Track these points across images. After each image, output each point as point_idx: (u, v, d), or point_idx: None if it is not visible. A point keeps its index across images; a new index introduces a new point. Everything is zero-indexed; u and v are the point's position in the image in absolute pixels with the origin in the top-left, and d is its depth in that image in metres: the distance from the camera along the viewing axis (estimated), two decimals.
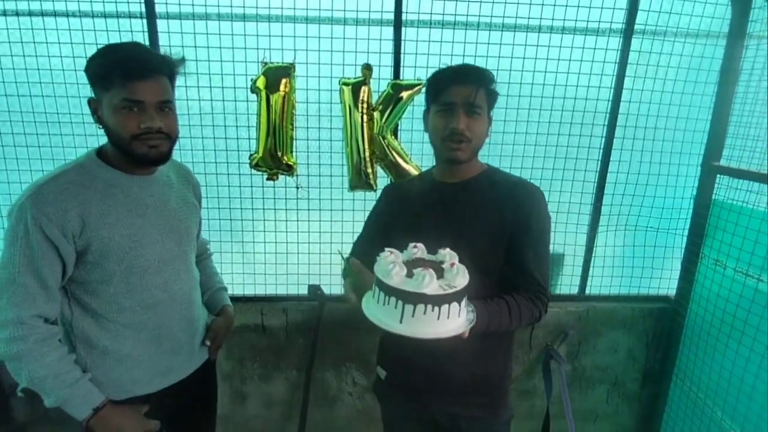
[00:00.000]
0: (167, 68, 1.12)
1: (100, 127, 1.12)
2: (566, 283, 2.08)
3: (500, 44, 1.79)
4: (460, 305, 0.97)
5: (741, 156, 1.85)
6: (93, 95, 1.10)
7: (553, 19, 1.80)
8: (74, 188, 1.09)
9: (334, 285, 1.96)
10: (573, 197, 1.96)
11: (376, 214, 1.41)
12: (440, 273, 0.97)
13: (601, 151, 1.93)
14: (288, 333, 1.98)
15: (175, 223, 1.26)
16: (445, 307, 0.94)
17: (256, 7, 1.71)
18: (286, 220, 1.89)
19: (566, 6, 1.77)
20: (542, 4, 1.77)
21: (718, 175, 1.89)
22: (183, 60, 1.18)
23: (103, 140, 1.15)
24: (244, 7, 1.69)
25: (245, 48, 1.72)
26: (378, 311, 0.98)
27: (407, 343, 1.00)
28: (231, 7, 1.69)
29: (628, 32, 1.82)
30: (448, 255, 1.03)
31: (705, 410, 1.87)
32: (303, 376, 1.97)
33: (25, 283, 1.07)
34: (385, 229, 1.33)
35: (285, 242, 1.92)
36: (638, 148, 1.93)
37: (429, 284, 0.92)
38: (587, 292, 2.07)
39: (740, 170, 1.80)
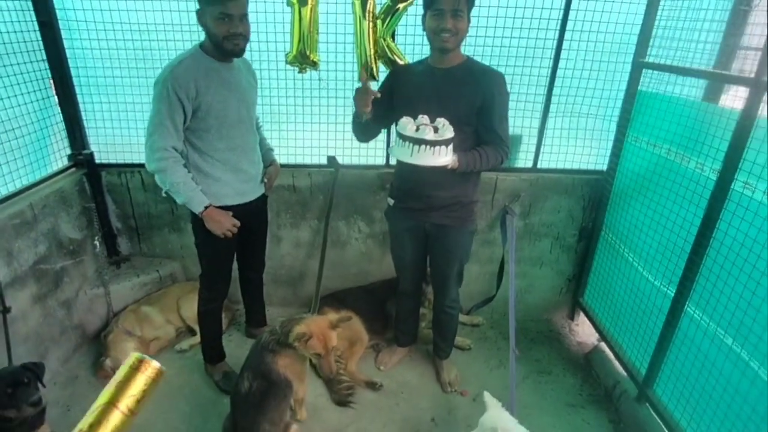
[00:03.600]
0: None
1: (204, 28, 2.02)
2: (522, 158, 2.99)
3: None
4: (447, 148, 1.91)
5: (665, 54, 2.60)
6: (198, 8, 1.98)
7: None
8: (191, 69, 2.04)
9: (346, 156, 2.91)
10: (530, 89, 2.81)
11: (384, 88, 2.24)
12: (436, 129, 1.90)
13: (553, 51, 2.72)
14: (312, 192, 2.98)
15: (246, 96, 2.21)
16: (437, 147, 1.89)
17: None
18: (311, 105, 2.81)
19: None
20: None
21: (643, 69, 2.67)
22: None
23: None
24: None
25: None
26: (399, 152, 1.94)
27: (410, 178, 2.09)
28: None
29: None
30: (442, 120, 1.94)
31: (621, 255, 2.77)
32: (323, 224, 2.97)
33: (167, 125, 2.04)
34: (391, 95, 2.18)
35: (310, 122, 2.85)
36: (583, 48, 2.72)
37: (428, 134, 1.86)
38: (539, 165, 2.98)
39: (659, 64, 2.54)
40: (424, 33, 2.09)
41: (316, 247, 3.09)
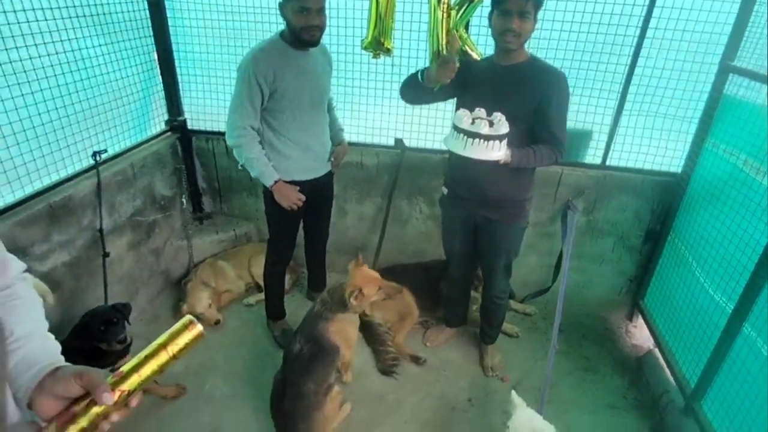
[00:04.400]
0: None
1: (284, 19, 2.24)
2: (591, 155, 2.98)
3: None
4: (501, 143, 1.97)
5: (755, 58, 2.49)
6: (281, 0, 2.21)
7: None
8: (270, 56, 2.30)
9: (413, 139, 3.06)
10: (604, 84, 2.80)
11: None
12: (491, 124, 1.99)
13: (633, 48, 2.68)
14: (378, 170, 3.18)
15: (319, 82, 2.44)
16: (491, 142, 1.97)
17: None
18: (383, 89, 2.98)
19: None
20: None
21: (730, 74, 2.57)
22: None
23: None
24: None
25: None
26: (452, 143, 2.04)
27: (463, 170, 2.21)
28: None
29: None
30: (498, 115, 2.02)
31: (686, 263, 2.72)
32: (386, 201, 3.16)
33: (246, 106, 2.31)
34: (456, 86, 2.23)
35: (381, 105, 3.03)
36: (666, 47, 2.65)
37: (483, 128, 1.94)
38: (608, 163, 2.96)
39: (747, 70, 2.45)
40: (490, 30, 2.16)
41: (378, 222, 3.31)
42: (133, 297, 2.96)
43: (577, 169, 2.98)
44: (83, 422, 0.74)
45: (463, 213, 2.49)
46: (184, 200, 3.35)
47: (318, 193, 2.69)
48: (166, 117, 3.24)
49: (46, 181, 2.45)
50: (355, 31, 2.85)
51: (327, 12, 2.31)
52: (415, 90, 2.25)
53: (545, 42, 2.73)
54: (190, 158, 3.33)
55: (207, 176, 3.45)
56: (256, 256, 3.29)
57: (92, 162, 2.60)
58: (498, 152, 2.00)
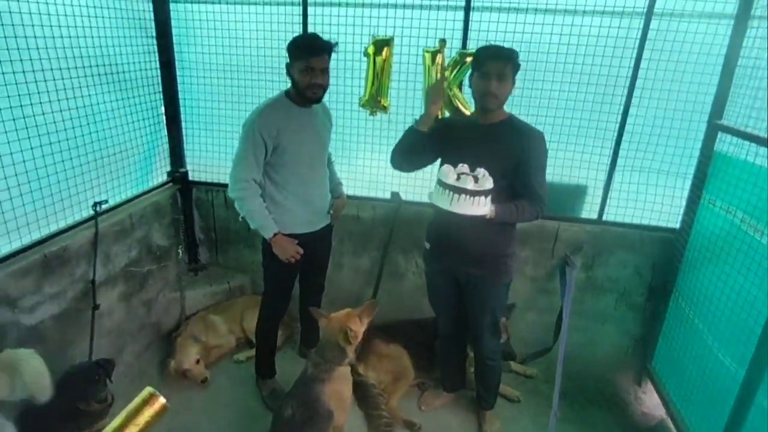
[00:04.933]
0: (329, 49, 2.35)
1: (290, 78, 2.38)
2: (587, 210, 2.99)
3: (543, 24, 2.73)
4: (486, 198, 2.01)
5: (740, 118, 2.55)
6: (288, 60, 2.35)
7: (586, 5, 2.67)
8: (275, 113, 2.40)
9: (408, 193, 3.11)
10: (596, 141, 2.86)
11: (433, 131, 2.34)
12: (476, 179, 2.01)
13: (621, 107, 2.77)
14: (374, 223, 3.19)
15: (320, 137, 2.55)
16: (476, 197, 1.99)
17: None
18: (380, 144, 3.07)
19: None
20: None
21: (719, 132, 2.62)
22: (337, 44, 2.39)
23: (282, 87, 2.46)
24: None
25: (362, 26, 2.89)
26: (438, 199, 2.06)
27: (444, 225, 2.23)
28: None
29: (648, 14, 2.63)
30: (481, 171, 2.06)
31: (692, 324, 2.62)
32: (381, 254, 3.15)
33: (250, 159, 2.38)
34: (438, 145, 2.32)
35: (378, 159, 3.10)
36: (654, 106, 2.74)
37: (469, 183, 1.97)
38: (604, 218, 2.96)
39: (734, 129, 2.47)
40: (465, 92, 2.27)
41: (374, 276, 3.27)
42: (120, 351, 2.87)
43: (573, 224, 2.97)
44: None
45: (446, 268, 2.47)
46: (180, 251, 3.36)
47: (317, 246, 2.70)
48: (168, 168, 3.33)
49: (46, 231, 2.47)
50: (353, 89, 2.98)
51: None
52: (405, 150, 2.32)
53: (536, 100, 2.84)
54: (189, 209, 3.38)
55: (205, 227, 3.48)
56: (249, 309, 3.22)
57: (92, 212, 2.63)
58: (483, 207, 2.03)
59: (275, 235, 2.46)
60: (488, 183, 1.99)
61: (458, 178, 1.99)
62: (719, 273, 2.41)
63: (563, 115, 2.85)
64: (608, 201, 2.94)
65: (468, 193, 1.96)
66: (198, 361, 2.92)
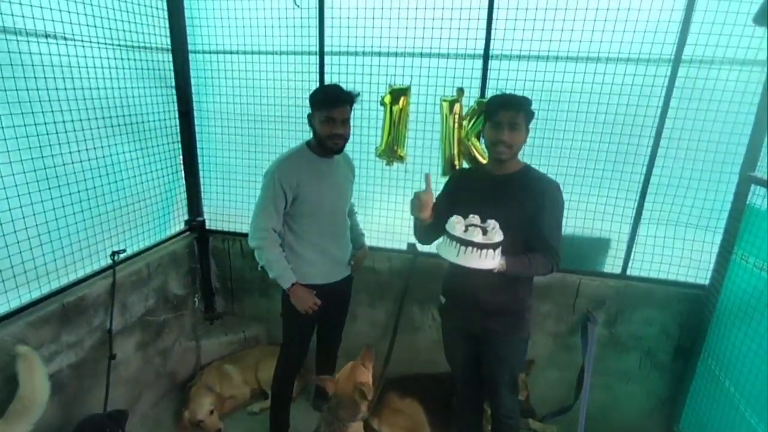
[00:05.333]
0: (350, 100, 2.34)
1: (311, 128, 2.38)
2: (610, 263, 2.87)
3: (564, 72, 2.66)
4: (494, 251, 1.92)
5: None
6: (310, 111, 2.35)
7: (609, 52, 2.60)
8: (296, 163, 2.40)
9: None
10: (620, 193, 2.75)
11: (446, 189, 2.36)
12: (485, 232, 1.95)
13: (647, 157, 2.67)
14: (390, 275, 3.13)
15: (341, 189, 2.53)
16: (485, 251, 1.91)
17: (388, 47, 2.84)
18: (396, 194, 3.02)
19: (621, 41, 2.56)
20: (601, 41, 2.59)
21: (752, 185, 2.50)
22: (359, 94, 2.39)
23: (306, 136, 2.46)
24: (380, 47, 2.84)
25: (379, 75, 2.87)
26: (445, 251, 1.99)
27: (458, 278, 2.14)
28: (371, 46, 2.85)
29: (675, 61, 2.53)
30: (492, 222, 1.99)
31: (722, 387, 2.47)
32: (397, 307, 3.09)
33: (270, 209, 2.38)
34: (451, 198, 2.28)
35: (394, 210, 3.05)
36: (681, 156, 2.63)
37: (476, 236, 1.90)
38: (628, 272, 2.84)
39: None
40: (483, 141, 2.21)
41: (389, 329, 3.20)
42: (136, 400, 2.88)
43: (596, 279, 2.86)
44: None
45: (462, 323, 2.38)
46: (196, 300, 3.36)
47: (336, 297, 2.67)
48: (186, 217, 3.34)
49: (65, 281, 2.49)
50: (370, 139, 2.94)
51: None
52: (418, 229, 2.29)
53: (557, 150, 2.76)
54: (205, 258, 3.38)
55: (221, 276, 3.48)
56: (264, 359, 3.20)
57: (110, 261, 2.65)
58: (492, 261, 1.94)
59: (293, 285, 2.44)
60: (497, 236, 1.92)
61: (466, 230, 1.92)
62: (752, 333, 2.27)
63: (585, 165, 2.76)
64: (632, 255, 2.82)
65: (475, 246, 1.89)
66: (212, 412, 2.90)
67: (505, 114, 2.04)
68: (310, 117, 2.39)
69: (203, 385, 3.01)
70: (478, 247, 1.89)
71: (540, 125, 2.71)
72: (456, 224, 1.95)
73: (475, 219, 2.02)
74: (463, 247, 1.91)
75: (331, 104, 2.30)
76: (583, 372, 2.85)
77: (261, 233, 2.41)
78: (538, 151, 2.76)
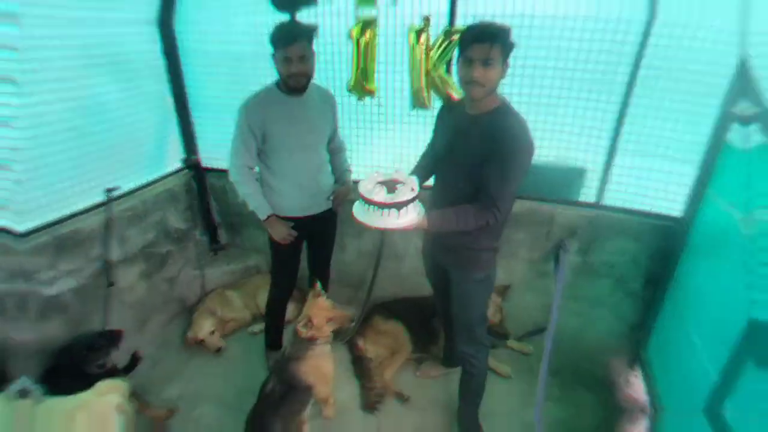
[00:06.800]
0: (307, 35, 2.32)
1: (275, 68, 2.40)
2: (584, 194, 2.83)
3: None
4: (399, 211, 1.80)
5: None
6: (272, 51, 2.35)
7: None
8: (262, 104, 2.46)
9: None
10: (595, 123, 2.66)
11: (434, 123, 2.26)
12: (392, 190, 1.80)
13: (624, 85, 2.54)
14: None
15: (312, 125, 2.56)
16: (386, 210, 1.79)
17: None
18: (372, 129, 3.03)
19: None
20: None
21: (732, 122, 2.32)
22: (316, 28, 2.38)
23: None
24: None
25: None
26: (355, 208, 1.91)
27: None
28: None
29: None
30: (410, 180, 1.87)
31: (684, 319, 2.46)
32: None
33: (241, 148, 2.50)
34: (434, 133, 2.25)
35: (371, 144, 3.08)
36: (661, 86, 2.48)
37: (378, 195, 1.79)
38: (602, 203, 2.80)
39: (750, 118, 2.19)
40: (456, 78, 2.00)
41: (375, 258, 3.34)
42: (145, 322, 3.23)
43: (569, 207, 2.84)
44: None
45: (432, 251, 2.42)
46: (197, 233, 3.59)
47: (316, 230, 2.81)
48: (182, 156, 3.50)
49: (57, 215, 2.68)
50: (342, 75, 2.93)
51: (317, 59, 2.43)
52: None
53: (529, 78, 2.66)
54: (205, 194, 3.56)
55: (221, 211, 3.68)
56: (263, 286, 3.40)
57: (105, 198, 2.86)
58: (396, 220, 1.82)
59: (268, 217, 2.60)
60: (404, 195, 1.80)
61: (372, 189, 1.82)
62: (717, 270, 2.23)
63: (559, 94, 2.65)
64: (607, 185, 2.76)
65: (376, 205, 1.80)
66: (213, 333, 3.21)
67: (477, 48, 1.82)
68: (273, 57, 2.39)
69: (206, 309, 3.31)
70: (379, 207, 1.80)
71: (514, 51, 2.59)
72: (366, 183, 1.88)
73: (396, 174, 1.93)
74: (366, 206, 1.85)
75: (286, 43, 2.28)
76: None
77: (236, 169, 2.55)
78: (509, 79, 2.65)
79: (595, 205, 2.83)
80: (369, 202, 1.81)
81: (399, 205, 1.80)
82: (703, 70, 2.37)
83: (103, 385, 1.94)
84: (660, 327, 2.77)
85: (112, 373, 2.51)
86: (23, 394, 1.83)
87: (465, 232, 2.06)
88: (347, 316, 2.49)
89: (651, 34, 2.41)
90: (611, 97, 2.59)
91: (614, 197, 2.80)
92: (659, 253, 2.74)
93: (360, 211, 1.89)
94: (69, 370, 2.42)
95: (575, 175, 2.85)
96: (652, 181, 2.68)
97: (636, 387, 2.92)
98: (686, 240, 2.56)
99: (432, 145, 2.29)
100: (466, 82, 1.90)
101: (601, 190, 2.79)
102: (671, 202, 2.68)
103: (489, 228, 2.09)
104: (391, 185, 1.86)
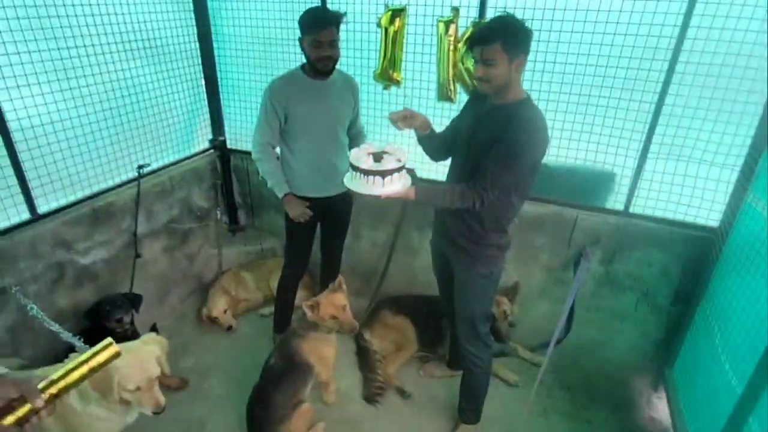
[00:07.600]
0: (335, 21, 2.36)
1: (303, 52, 2.44)
2: (612, 199, 2.68)
3: None
4: (383, 179, 1.82)
5: None
6: (300, 35, 2.39)
7: None
8: (287, 85, 2.51)
9: (424, 170, 3.02)
10: (627, 123, 2.51)
11: (462, 107, 2.23)
12: (379, 159, 1.84)
13: (660, 84, 2.38)
14: (390, 199, 3.14)
15: (335, 110, 2.60)
16: (371, 177, 1.81)
17: None
18: None
19: None
20: None
21: None
22: (345, 14, 2.41)
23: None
24: None
25: None
26: (345, 177, 1.95)
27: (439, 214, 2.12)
28: None
29: None
30: (398, 150, 1.91)
31: (713, 336, 2.27)
32: (394, 229, 3.17)
33: (264, 126, 2.55)
34: (460, 116, 2.20)
35: (394, 134, 3.02)
36: (699, 84, 2.31)
37: (364, 162, 1.82)
38: (631, 210, 2.64)
39: None
40: None
41: (389, 249, 3.30)
42: (165, 295, 3.30)
43: (594, 214, 2.70)
44: (19, 413, 0.97)
45: (438, 241, 2.36)
46: (218, 212, 3.64)
47: (331, 212, 2.82)
48: (210, 137, 3.57)
49: (96, 189, 2.84)
50: (370, 63, 2.91)
51: (343, 45, 2.48)
52: (426, 147, 2.30)
53: (559, 75, 2.54)
54: (228, 174, 3.62)
55: (242, 192, 3.72)
56: (277, 270, 3.40)
57: (136, 174, 2.97)
58: (381, 188, 1.85)
59: (286, 195, 2.64)
60: (390, 164, 1.83)
61: (360, 157, 1.86)
62: (754, 285, 2.03)
63: (590, 92, 2.52)
64: (637, 191, 2.60)
65: (361, 172, 1.84)
66: (225, 311, 3.25)
67: (476, 49, 1.87)
68: (300, 41, 2.43)
69: (220, 288, 3.35)
70: (364, 173, 1.84)
71: (542, 48, 2.50)
72: (356, 151, 1.92)
73: (388, 146, 1.95)
74: (353, 173, 1.90)
75: (317, 27, 2.34)
76: (574, 305, 2.77)
77: (258, 147, 2.61)
78: (539, 76, 2.56)
79: (623, 213, 2.67)
80: (356, 169, 1.86)
81: (384, 173, 1.83)
82: (744, 64, 2.20)
83: (147, 337, 2.09)
84: (688, 345, 2.57)
85: (134, 335, 2.60)
86: None
87: (471, 226, 2.09)
88: (352, 325, 2.44)
89: (689, 26, 2.24)
90: (644, 96, 2.43)
91: (644, 204, 2.62)
92: (691, 266, 2.56)
93: (348, 178, 1.95)
94: (96, 332, 2.52)
95: (603, 180, 2.68)
96: (686, 187, 2.50)
97: (658, 408, 2.74)
98: (721, 252, 2.37)
99: (452, 127, 2.22)
100: (475, 79, 1.97)
101: (630, 196, 2.62)
102: (707, 211, 2.49)
103: (500, 224, 2.09)
104: (379, 156, 1.89)
